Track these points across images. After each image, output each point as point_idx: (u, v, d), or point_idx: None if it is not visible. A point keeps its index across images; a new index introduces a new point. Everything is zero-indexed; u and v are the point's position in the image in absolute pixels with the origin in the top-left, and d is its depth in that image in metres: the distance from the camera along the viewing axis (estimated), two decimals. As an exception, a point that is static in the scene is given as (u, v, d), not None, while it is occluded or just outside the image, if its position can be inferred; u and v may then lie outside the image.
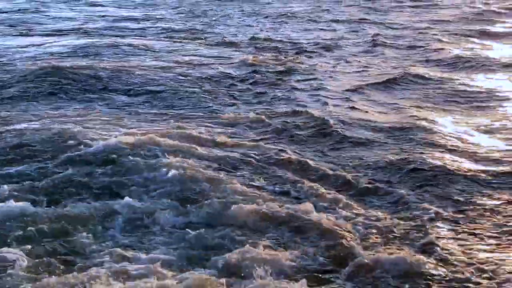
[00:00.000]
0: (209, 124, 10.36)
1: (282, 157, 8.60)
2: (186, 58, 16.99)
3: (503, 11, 33.63)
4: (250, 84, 13.78)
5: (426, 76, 13.94)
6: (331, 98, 12.31)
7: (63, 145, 9.05)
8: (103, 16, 28.28)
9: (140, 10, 32.53)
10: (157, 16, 28.97)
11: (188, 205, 6.89)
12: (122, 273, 5.43)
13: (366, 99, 12.27)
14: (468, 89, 12.75)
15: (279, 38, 20.87)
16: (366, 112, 11.24)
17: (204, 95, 12.59)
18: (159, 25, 25.13)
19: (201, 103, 12.05)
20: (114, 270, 5.44)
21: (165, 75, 14.51)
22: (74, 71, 14.48)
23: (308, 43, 19.69)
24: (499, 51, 17.86)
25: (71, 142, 9.12)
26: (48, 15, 27.84)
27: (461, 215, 6.69)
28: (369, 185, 7.61)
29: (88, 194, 7.28)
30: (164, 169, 7.84)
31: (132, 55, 17.53)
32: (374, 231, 6.32)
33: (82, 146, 8.89)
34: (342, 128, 10.02)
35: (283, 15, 30.31)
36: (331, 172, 7.98)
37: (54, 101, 12.30)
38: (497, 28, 23.47)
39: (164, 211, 6.77)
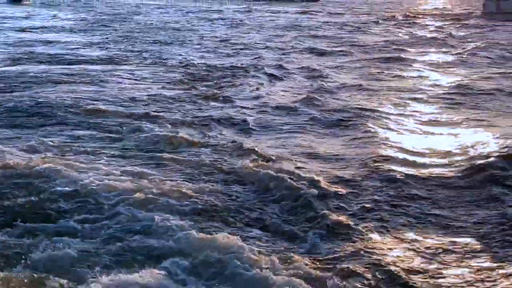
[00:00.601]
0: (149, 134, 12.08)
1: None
2: (121, 80, 18.46)
3: (425, 36, 37.09)
4: (181, 100, 15.29)
5: (323, 99, 15.66)
6: (250, 113, 14.27)
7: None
8: (35, 42, 29.28)
9: (72, 36, 33.61)
10: (91, 41, 30.44)
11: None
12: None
13: (280, 114, 14.18)
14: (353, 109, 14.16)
15: (208, 62, 22.85)
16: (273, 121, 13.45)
17: (140, 110, 13.92)
18: (93, 50, 26.58)
19: (139, 115, 13.29)
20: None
21: (101, 97, 15.60)
22: (5, 98, 14.79)
23: (235, 66, 21.71)
24: (402, 75, 20.12)
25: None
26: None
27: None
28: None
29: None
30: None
31: (67, 78, 18.44)
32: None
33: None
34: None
35: (212, 41, 32.62)
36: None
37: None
38: (409, 55, 26.11)
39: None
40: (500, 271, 6.20)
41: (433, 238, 7.08)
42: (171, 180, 8.73)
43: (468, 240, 7.04)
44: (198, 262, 6.21)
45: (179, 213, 7.54)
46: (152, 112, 13.66)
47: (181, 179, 8.91)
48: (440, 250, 6.74)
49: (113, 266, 6.10)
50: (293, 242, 6.92)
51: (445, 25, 49.41)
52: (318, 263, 6.31)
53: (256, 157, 10.11)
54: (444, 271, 6.24)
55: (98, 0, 79.24)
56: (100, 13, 66.23)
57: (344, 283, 5.83)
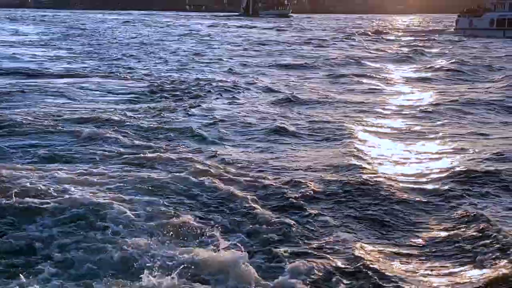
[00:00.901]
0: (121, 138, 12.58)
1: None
2: (88, 92, 19.05)
3: (394, 51, 38.27)
4: (148, 110, 15.86)
5: (287, 110, 16.41)
6: (216, 123, 14.91)
7: None
8: (0, 55, 29.47)
9: (38, 50, 34.09)
10: (57, 55, 30.95)
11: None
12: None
13: (245, 124, 14.67)
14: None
15: (174, 75, 23.66)
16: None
17: (108, 118, 14.30)
18: (61, 63, 27.07)
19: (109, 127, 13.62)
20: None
21: (69, 107, 16.16)
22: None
23: (201, 79, 22.48)
24: (366, 89, 20.85)
25: None
26: None
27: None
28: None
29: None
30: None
31: (34, 90, 18.78)
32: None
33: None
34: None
35: (179, 55, 33.42)
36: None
37: None
38: (375, 69, 27.26)
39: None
40: (434, 269, 6.81)
41: (378, 234, 7.73)
42: (135, 180, 9.41)
43: (415, 241, 7.59)
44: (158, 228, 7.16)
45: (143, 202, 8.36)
46: (119, 121, 14.27)
47: (146, 175, 9.63)
48: (387, 245, 7.39)
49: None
50: (250, 233, 7.57)
51: (415, 41, 50.71)
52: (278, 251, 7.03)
53: (221, 160, 10.82)
54: (383, 265, 6.80)
55: (66, 15, 78.97)
56: (68, 27, 66.66)
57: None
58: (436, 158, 11.39)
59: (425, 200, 8.99)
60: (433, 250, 7.27)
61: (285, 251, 6.94)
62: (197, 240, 7.08)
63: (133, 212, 7.82)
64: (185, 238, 7.12)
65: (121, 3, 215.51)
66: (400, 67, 28.95)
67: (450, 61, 30.36)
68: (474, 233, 7.59)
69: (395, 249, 7.25)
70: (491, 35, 55.73)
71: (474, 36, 56.29)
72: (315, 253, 6.99)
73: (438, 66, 28.55)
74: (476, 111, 16.59)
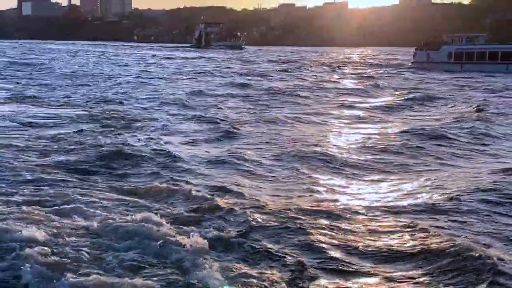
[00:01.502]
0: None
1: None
2: (31, 115, 19.93)
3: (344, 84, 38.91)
4: (86, 134, 16.53)
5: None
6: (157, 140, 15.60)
7: None
8: None
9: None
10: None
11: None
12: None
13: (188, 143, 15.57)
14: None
15: (112, 103, 24.22)
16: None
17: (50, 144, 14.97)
18: (3, 92, 27.37)
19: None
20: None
21: (12, 131, 16.74)
22: None
23: (144, 108, 23.18)
24: (309, 121, 21.12)
25: None
26: None
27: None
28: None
29: None
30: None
31: None
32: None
33: None
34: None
35: (123, 85, 33.48)
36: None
37: None
38: (305, 101, 27.72)
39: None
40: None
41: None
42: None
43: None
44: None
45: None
46: (56, 145, 15.08)
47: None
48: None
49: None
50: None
51: (371, 73, 51.40)
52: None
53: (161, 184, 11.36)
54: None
55: (8, 45, 78.88)
56: (10, 57, 66.17)
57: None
58: (391, 190, 11.50)
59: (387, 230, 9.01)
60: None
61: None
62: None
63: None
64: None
65: (67, 34, 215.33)
66: (354, 99, 29.38)
67: (406, 93, 31.19)
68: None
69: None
70: (448, 69, 57.00)
71: (432, 70, 57.49)
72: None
73: (392, 98, 29.32)
74: (428, 143, 16.59)
